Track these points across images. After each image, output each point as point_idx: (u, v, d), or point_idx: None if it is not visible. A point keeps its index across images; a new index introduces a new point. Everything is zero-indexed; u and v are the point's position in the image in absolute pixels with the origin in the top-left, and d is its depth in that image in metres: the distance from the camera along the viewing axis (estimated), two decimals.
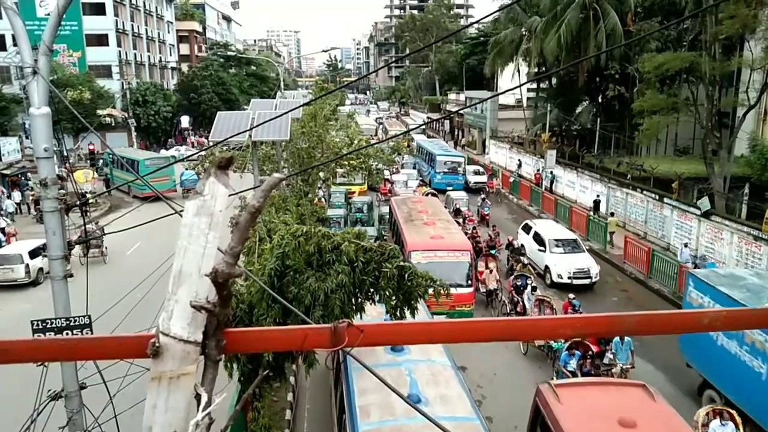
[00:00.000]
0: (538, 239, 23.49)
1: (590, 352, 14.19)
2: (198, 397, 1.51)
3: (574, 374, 13.62)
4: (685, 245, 22.79)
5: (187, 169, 35.79)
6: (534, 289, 18.65)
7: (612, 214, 28.50)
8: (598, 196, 31.36)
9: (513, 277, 19.91)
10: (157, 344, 1.49)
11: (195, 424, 1.46)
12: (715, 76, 25.02)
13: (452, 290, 15.07)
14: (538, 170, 38.62)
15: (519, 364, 16.38)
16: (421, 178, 40.84)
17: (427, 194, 33.20)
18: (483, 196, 33.29)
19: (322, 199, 28.22)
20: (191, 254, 1.54)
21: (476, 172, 41.42)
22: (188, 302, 1.50)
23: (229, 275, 1.48)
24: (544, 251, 22.59)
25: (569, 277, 21.35)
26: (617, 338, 14.35)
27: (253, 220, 1.52)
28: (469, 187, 38.39)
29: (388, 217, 26.27)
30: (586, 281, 21.49)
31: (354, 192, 34.34)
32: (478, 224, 27.75)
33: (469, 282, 18.15)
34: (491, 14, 41.78)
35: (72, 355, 2.01)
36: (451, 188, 35.49)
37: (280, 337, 1.67)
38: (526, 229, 24.96)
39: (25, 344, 1.63)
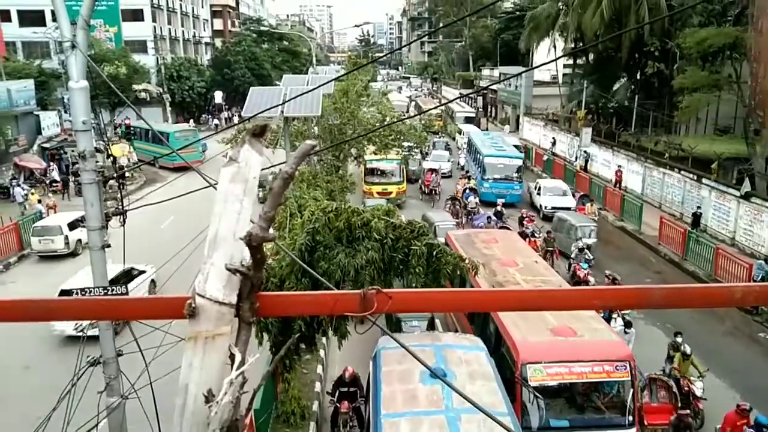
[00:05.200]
0: None
1: None
2: (232, 357, 1.56)
3: None
4: (766, 260, 18.90)
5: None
6: (628, 325, 13.68)
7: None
8: (699, 207, 24.42)
9: None
10: (193, 305, 1.54)
11: (229, 381, 1.51)
12: (760, 52, 24.12)
13: None
14: (619, 167, 31.47)
15: None
16: (466, 170, 33.51)
17: (465, 190, 27.62)
18: (585, 240, 20.51)
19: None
20: (226, 219, 1.58)
21: (557, 191, 28.08)
22: (223, 265, 1.55)
23: (263, 239, 1.51)
24: None
25: None
26: None
27: (286, 187, 1.55)
28: (539, 211, 27.02)
29: None
30: None
31: (391, 193, 27.84)
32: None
33: (631, 418, 10.51)
34: None
35: (113, 314, 2.09)
36: (503, 200, 26.08)
37: (311, 302, 1.71)
38: None
39: (69, 303, 1.70)
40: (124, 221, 7.99)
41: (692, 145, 27.55)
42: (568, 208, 25.84)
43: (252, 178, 1.58)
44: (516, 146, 36.10)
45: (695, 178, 25.71)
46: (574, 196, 27.94)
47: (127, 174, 32.07)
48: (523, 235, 20.75)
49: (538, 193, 28.21)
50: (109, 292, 7.46)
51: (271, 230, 1.56)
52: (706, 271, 20.54)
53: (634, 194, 29.14)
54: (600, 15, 34.09)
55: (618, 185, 30.57)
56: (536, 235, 21.40)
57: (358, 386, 11.69)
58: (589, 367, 10.40)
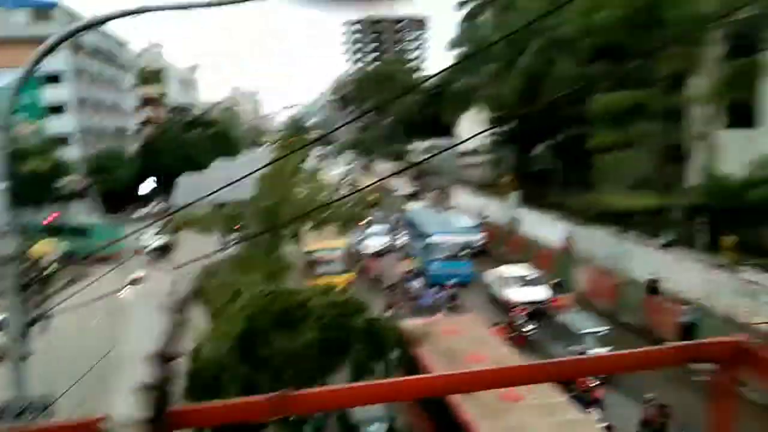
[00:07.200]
0: None
1: None
2: None
3: None
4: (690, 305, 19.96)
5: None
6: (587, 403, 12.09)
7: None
8: (652, 275, 22.08)
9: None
10: (104, 427, 1.54)
11: None
12: (663, 111, 26.04)
13: None
14: (570, 234, 30.49)
15: None
16: (407, 252, 32.08)
17: (410, 272, 26.68)
18: (592, 351, 15.98)
19: None
20: (137, 337, 1.62)
21: (523, 280, 23.55)
22: (134, 383, 1.57)
23: (172, 356, 1.55)
24: None
25: None
26: None
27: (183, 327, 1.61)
28: (499, 303, 23.13)
29: None
30: None
31: (339, 282, 23.82)
32: None
33: None
34: (445, 68, 43.00)
35: None
36: (454, 281, 24.74)
37: (220, 411, 1.73)
38: None
39: None
40: (48, 326, 7.66)
41: (612, 202, 28.97)
42: (542, 302, 21.91)
43: (163, 295, 1.64)
44: (474, 225, 36.09)
45: (619, 232, 26.93)
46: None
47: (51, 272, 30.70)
48: (511, 326, 20.02)
49: (502, 285, 23.76)
50: (29, 405, 7.02)
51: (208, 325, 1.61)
52: (638, 320, 21.28)
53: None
54: (515, 88, 36.26)
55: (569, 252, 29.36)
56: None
57: None
58: None
